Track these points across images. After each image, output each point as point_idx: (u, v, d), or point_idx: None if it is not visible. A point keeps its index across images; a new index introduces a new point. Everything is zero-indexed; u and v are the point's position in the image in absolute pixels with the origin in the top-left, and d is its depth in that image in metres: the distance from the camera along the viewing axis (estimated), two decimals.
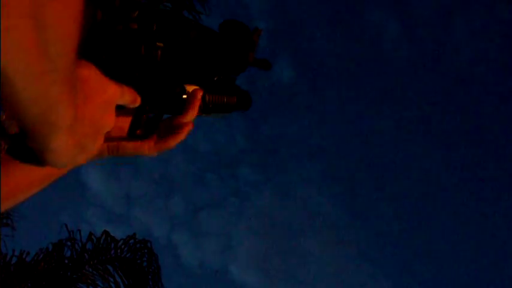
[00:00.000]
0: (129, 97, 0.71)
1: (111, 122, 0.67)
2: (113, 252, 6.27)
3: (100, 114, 0.65)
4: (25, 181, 0.79)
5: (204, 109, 0.87)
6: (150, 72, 0.77)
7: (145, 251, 6.31)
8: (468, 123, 21.44)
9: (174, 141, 0.84)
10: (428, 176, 21.85)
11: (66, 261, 6.22)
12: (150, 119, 0.83)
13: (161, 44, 0.76)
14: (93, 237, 6.30)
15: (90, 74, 0.63)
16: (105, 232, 6.33)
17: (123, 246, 6.31)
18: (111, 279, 6.18)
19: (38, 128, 0.54)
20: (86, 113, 0.62)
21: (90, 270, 6.18)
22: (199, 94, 0.84)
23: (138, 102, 0.74)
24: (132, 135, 0.82)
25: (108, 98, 0.66)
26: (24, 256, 6.18)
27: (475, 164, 21.51)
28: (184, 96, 0.83)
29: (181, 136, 0.84)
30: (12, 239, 6.42)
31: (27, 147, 0.60)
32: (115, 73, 0.68)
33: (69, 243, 6.23)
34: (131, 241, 6.34)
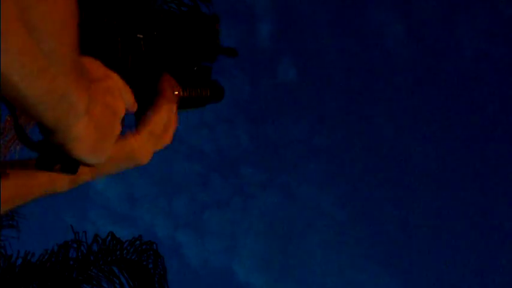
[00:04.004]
0: (130, 97, 0.71)
1: (122, 108, 0.67)
2: (118, 253, 6.26)
3: (110, 96, 0.65)
4: (26, 186, 0.76)
5: (180, 103, 0.85)
6: (138, 64, 0.76)
7: (151, 252, 6.30)
8: (472, 123, 21.40)
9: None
10: (432, 176, 21.82)
11: (72, 262, 6.20)
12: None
13: (141, 36, 0.77)
14: (98, 238, 6.29)
15: (91, 61, 0.64)
16: (111, 233, 6.32)
17: (128, 248, 6.30)
18: (117, 281, 6.17)
19: (56, 120, 0.55)
20: (98, 94, 0.62)
21: (96, 271, 6.17)
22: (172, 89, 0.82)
23: (135, 107, 0.73)
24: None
25: (114, 84, 0.66)
26: (29, 257, 6.17)
27: (479, 163, 21.46)
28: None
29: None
30: (17, 240, 6.40)
31: (55, 154, 0.60)
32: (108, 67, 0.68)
33: (74, 245, 6.23)
34: (137, 243, 6.33)
